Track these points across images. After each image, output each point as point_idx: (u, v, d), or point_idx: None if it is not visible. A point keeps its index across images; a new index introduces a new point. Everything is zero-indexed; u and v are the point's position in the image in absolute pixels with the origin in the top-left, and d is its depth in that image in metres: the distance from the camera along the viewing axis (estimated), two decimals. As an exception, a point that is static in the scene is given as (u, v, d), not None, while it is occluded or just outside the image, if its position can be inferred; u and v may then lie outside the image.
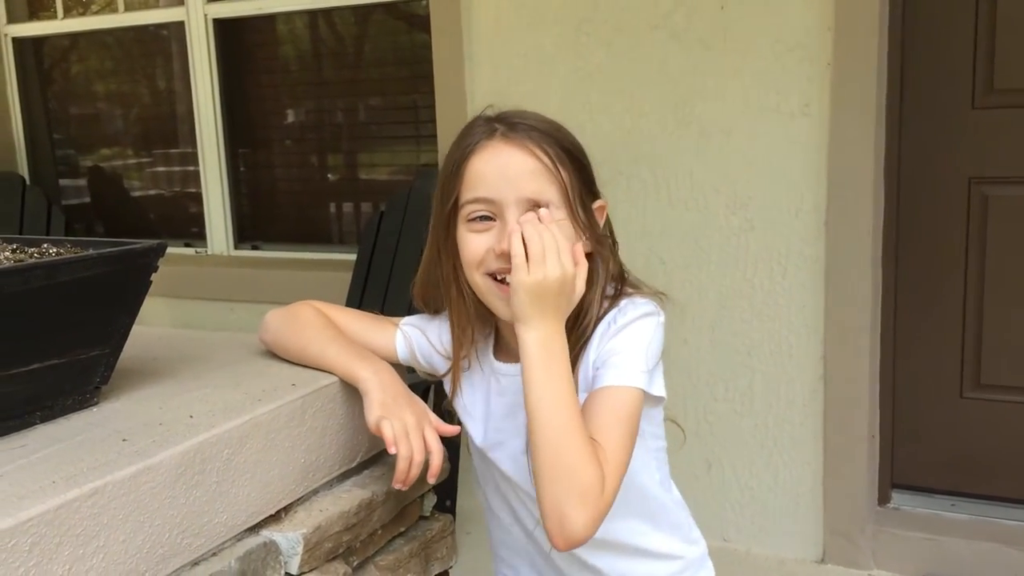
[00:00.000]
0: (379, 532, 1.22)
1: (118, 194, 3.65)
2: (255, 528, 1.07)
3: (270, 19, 3.17)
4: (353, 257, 2.82)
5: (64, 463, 0.93)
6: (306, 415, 1.15)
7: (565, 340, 1.05)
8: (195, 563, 0.99)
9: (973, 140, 2.31)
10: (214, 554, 1.02)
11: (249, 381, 1.18)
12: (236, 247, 3.29)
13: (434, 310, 1.24)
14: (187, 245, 3.36)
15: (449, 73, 2.70)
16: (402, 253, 2.70)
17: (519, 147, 1.07)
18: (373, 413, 1.12)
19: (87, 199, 3.70)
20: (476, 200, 1.08)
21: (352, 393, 1.21)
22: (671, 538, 1.22)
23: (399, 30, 3.07)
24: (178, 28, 3.24)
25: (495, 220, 1.08)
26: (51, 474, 0.90)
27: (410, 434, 1.11)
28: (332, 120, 3.25)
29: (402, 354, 1.28)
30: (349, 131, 3.24)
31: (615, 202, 2.59)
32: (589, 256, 1.10)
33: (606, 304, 1.12)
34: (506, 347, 1.19)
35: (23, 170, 3.59)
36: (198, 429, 1.02)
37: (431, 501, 1.35)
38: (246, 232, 3.32)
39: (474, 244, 1.09)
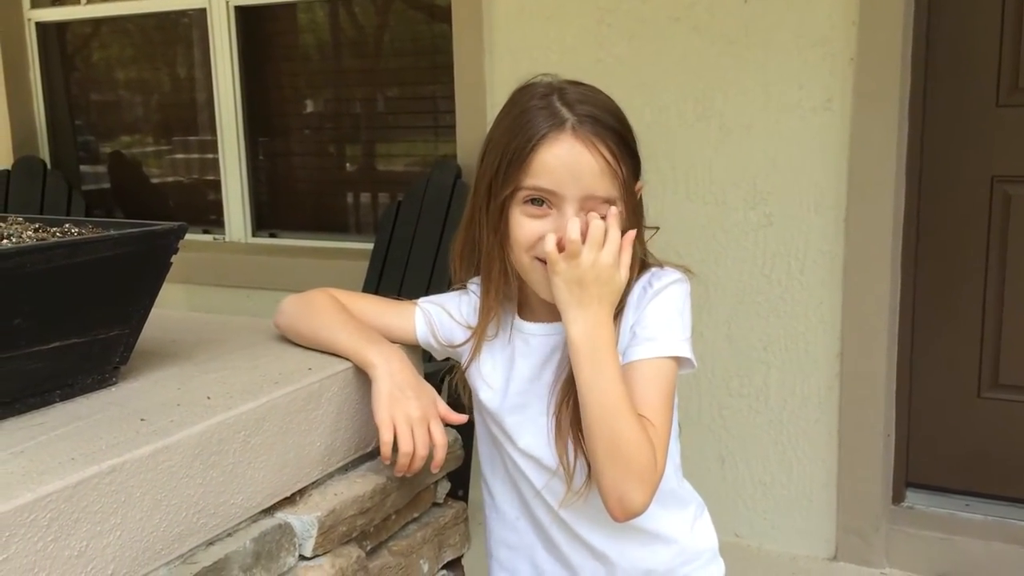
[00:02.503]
0: (393, 517, 1.22)
1: (138, 180, 3.67)
2: (270, 510, 1.08)
3: (291, 7, 3.18)
4: (370, 247, 2.83)
5: (83, 441, 0.93)
6: (322, 399, 1.15)
7: (611, 327, 1.07)
8: (210, 543, 1.00)
9: (997, 138, 2.29)
10: (229, 535, 1.02)
11: (266, 364, 1.19)
12: (254, 235, 3.31)
13: (465, 277, 1.26)
14: (205, 232, 3.38)
15: (469, 64, 2.70)
16: (419, 243, 2.70)
17: (588, 146, 1.07)
18: (380, 407, 1.13)
19: (107, 185, 3.73)
20: (538, 188, 1.09)
21: (368, 378, 1.22)
22: (681, 525, 1.22)
23: (419, 20, 3.07)
24: (200, 15, 3.26)
25: (551, 208, 1.09)
26: (70, 451, 0.90)
27: (414, 428, 1.12)
28: (351, 110, 3.25)
29: (421, 333, 1.28)
30: (368, 121, 3.24)
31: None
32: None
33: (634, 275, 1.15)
34: (531, 307, 1.21)
35: (44, 155, 3.62)
36: (216, 410, 1.02)
37: (445, 488, 1.35)
38: (264, 220, 3.33)
39: (528, 228, 1.10)
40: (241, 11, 3.19)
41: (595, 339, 1.06)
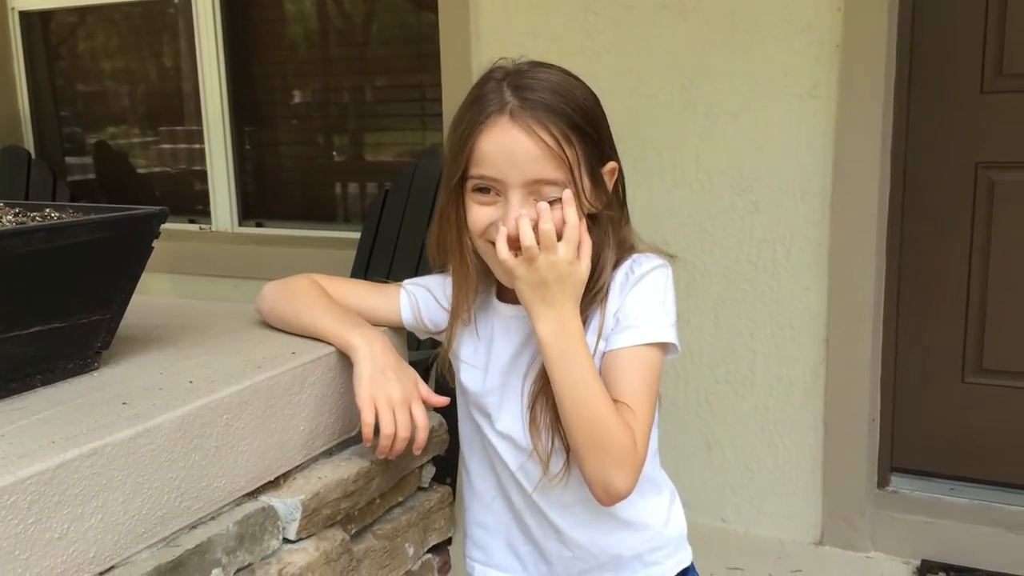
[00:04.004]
0: (377, 501, 1.23)
1: (123, 170, 3.66)
2: (254, 493, 1.08)
3: (277, -5, 3.17)
4: (357, 236, 2.82)
5: (64, 424, 0.93)
6: (306, 383, 1.15)
7: (578, 321, 1.08)
8: (193, 526, 1.00)
9: (981, 124, 2.30)
10: (213, 518, 1.02)
11: (249, 349, 1.19)
12: (240, 224, 3.30)
13: (443, 264, 1.25)
14: (191, 222, 3.36)
15: (456, 52, 2.69)
16: (406, 232, 2.70)
17: (525, 130, 1.05)
18: (361, 388, 1.13)
19: (92, 175, 3.71)
20: (481, 176, 1.09)
21: (352, 362, 1.21)
22: (655, 512, 1.22)
23: (406, 9, 3.06)
24: (185, 4, 3.24)
25: (499, 194, 1.09)
26: (51, 434, 0.90)
27: (396, 411, 1.12)
28: (337, 99, 3.24)
29: (406, 315, 1.28)
30: (354, 110, 3.23)
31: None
32: (594, 218, 1.11)
33: (615, 259, 1.15)
34: (507, 291, 1.20)
35: (29, 145, 3.60)
36: (198, 394, 1.02)
37: (430, 472, 1.35)
38: (251, 209, 3.33)
39: (479, 215, 1.11)
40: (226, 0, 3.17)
41: (563, 336, 1.06)
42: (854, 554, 2.39)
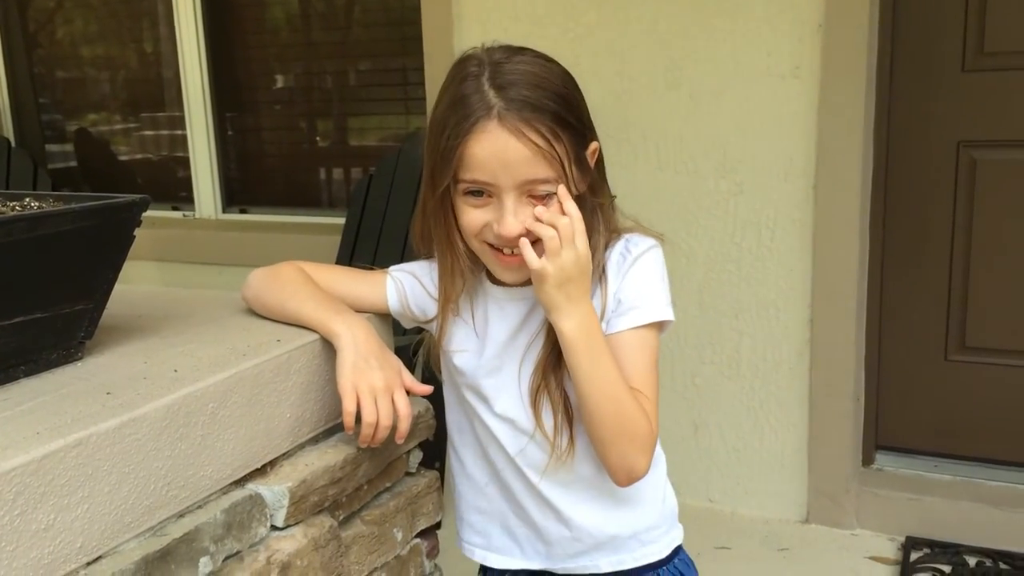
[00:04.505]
0: (365, 487, 1.23)
1: (105, 158, 3.63)
2: (241, 481, 1.08)
3: (258, -21, 3.14)
4: (341, 221, 2.81)
5: (48, 415, 0.93)
6: (291, 370, 1.15)
7: (595, 314, 1.09)
8: (181, 515, 1.00)
9: (962, 103, 2.31)
10: (200, 506, 1.02)
11: (234, 337, 1.18)
12: (224, 211, 3.28)
13: (429, 253, 1.25)
14: (175, 209, 3.34)
15: (438, 35, 2.68)
16: (391, 217, 2.69)
17: (515, 133, 1.05)
18: (343, 376, 1.12)
19: (73, 163, 3.68)
20: (473, 181, 1.08)
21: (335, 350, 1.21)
22: (653, 491, 1.23)
23: (388, -8, 3.04)
24: (165, -12, 3.21)
25: (491, 196, 1.09)
26: (35, 425, 0.90)
27: (378, 399, 1.12)
28: (320, 83, 3.22)
29: (392, 302, 1.27)
30: (337, 94, 3.22)
31: (605, 165, 2.59)
32: (580, 199, 1.11)
33: (605, 240, 1.16)
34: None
35: (8, 133, 3.56)
36: (183, 383, 1.02)
37: (417, 457, 1.35)
38: (234, 196, 3.31)
39: (472, 218, 1.10)
40: (206, -16, 3.14)
41: (589, 330, 1.07)
42: (840, 531, 2.42)
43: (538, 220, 1.06)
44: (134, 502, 0.94)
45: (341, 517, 1.19)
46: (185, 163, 3.31)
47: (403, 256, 2.60)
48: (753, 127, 2.35)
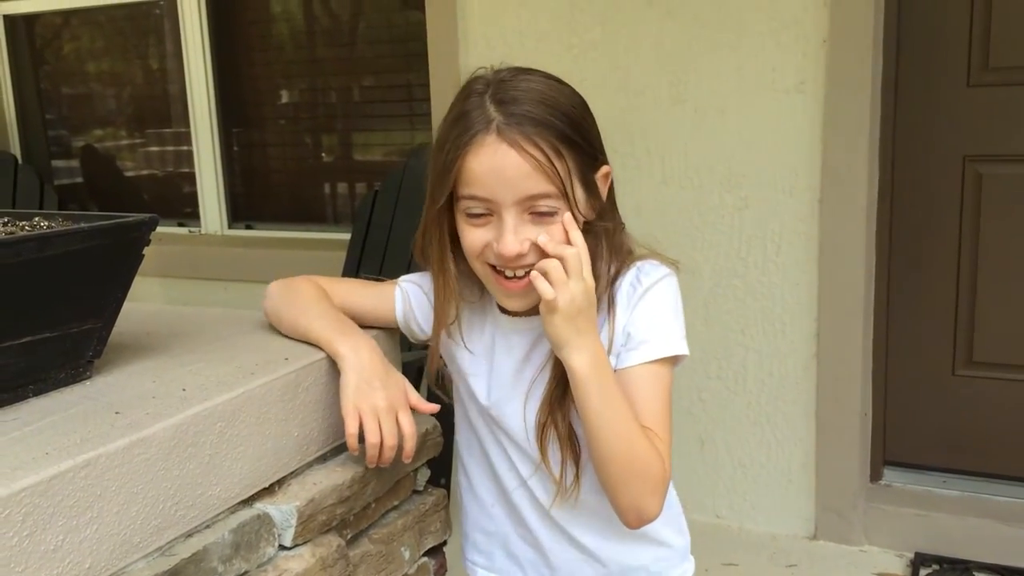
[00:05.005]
0: (372, 505, 1.23)
1: (111, 174, 3.64)
2: (249, 500, 1.08)
3: (263, -4, 3.16)
4: (347, 237, 2.81)
5: (57, 435, 0.93)
6: (299, 389, 1.15)
7: (603, 348, 1.06)
8: (189, 534, 1.00)
9: (968, 118, 2.31)
10: (208, 526, 1.02)
11: (242, 355, 1.18)
12: (230, 227, 3.29)
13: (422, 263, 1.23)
14: (180, 225, 3.35)
15: (443, 51, 2.69)
16: (396, 232, 2.69)
17: (514, 147, 1.02)
18: (346, 398, 1.11)
19: (80, 179, 3.69)
20: (471, 197, 1.05)
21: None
22: (664, 524, 1.20)
23: (393, 8, 3.06)
24: (171, 6, 3.22)
25: (491, 215, 1.06)
26: (44, 446, 0.90)
27: (381, 420, 1.10)
28: (325, 99, 3.23)
29: (399, 314, 1.26)
30: (343, 110, 3.23)
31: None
32: (588, 226, 1.08)
33: (615, 269, 1.12)
34: None
35: (15, 150, 3.58)
36: (191, 402, 1.02)
37: (425, 475, 1.35)
38: (240, 212, 3.31)
39: (472, 237, 1.08)
40: (213, 0, 3.16)
41: (599, 366, 1.03)
42: (848, 548, 2.41)
43: (543, 250, 1.03)
44: (143, 522, 0.94)
45: (349, 536, 1.19)
46: (191, 179, 3.32)
47: (408, 271, 2.60)
48: (758, 142, 2.36)
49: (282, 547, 1.09)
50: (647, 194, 2.48)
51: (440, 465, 2.33)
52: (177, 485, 0.98)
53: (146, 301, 1.48)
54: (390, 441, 1.11)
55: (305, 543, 1.10)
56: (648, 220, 2.48)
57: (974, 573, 2.26)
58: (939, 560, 2.31)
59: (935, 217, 2.37)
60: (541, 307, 1.04)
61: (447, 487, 2.42)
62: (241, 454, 1.06)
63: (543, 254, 1.04)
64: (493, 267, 1.09)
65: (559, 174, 1.03)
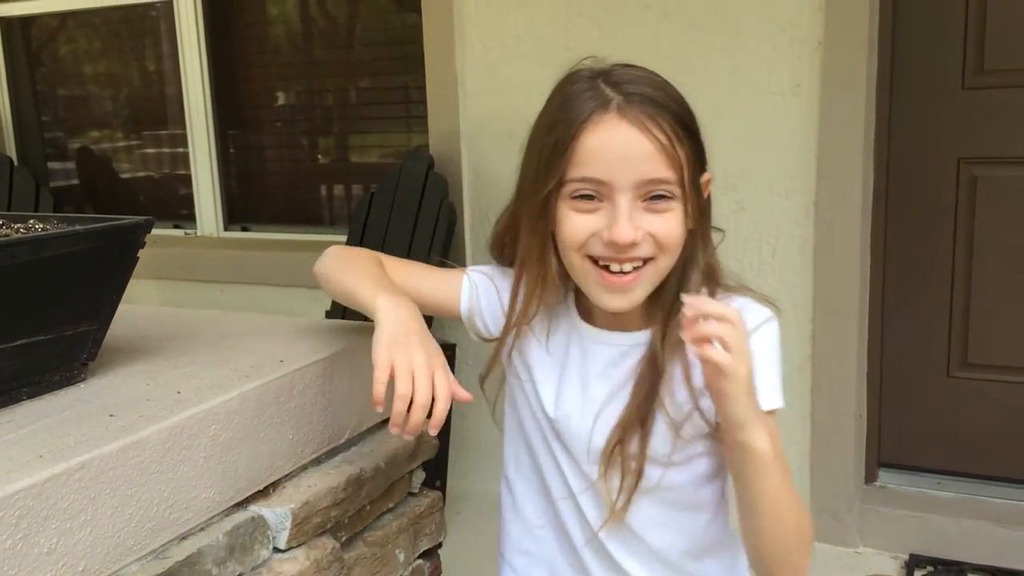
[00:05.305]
0: (367, 508, 1.23)
1: (107, 176, 3.64)
2: (243, 503, 1.08)
3: (260, -1, 3.16)
4: (343, 239, 2.81)
5: (51, 438, 0.93)
6: (294, 391, 1.15)
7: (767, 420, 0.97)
8: (183, 537, 1.00)
9: (963, 120, 2.31)
10: (202, 529, 1.02)
11: (237, 357, 1.18)
12: (226, 229, 3.29)
13: (508, 263, 1.13)
14: (176, 227, 3.35)
15: (439, 54, 2.69)
16: (392, 234, 2.69)
17: (637, 126, 0.94)
18: (379, 347, 0.99)
19: (75, 181, 3.68)
20: (585, 179, 0.97)
21: (342, 369, 1.22)
22: (724, 570, 1.15)
23: (389, 10, 3.06)
24: (167, 8, 3.22)
25: (602, 201, 0.97)
26: (38, 448, 0.90)
27: (416, 372, 0.98)
28: (322, 101, 3.23)
29: (464, 305, 1.15)
30: (339, 112, 3.23)
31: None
32: (690, 233, 1.01)
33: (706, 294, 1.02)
34: (589, 308, 1.09)
35: (11, 152, 3.57)
36: (186, 405, 1.02)
37: (420, 477, 1.35)
38: (236, 213, 3.31)
39: (577, 225, 0.99)
40: (209, 2, 3.16)
41: (776, 446, 0.94)
42: (843, 550, 2.41)
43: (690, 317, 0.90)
44: (136, 525, 0.94)
45: (343, 538, 1.19)
46: (187, 181, 3.32)
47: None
48: (754, 144, 2.36)
49: (276, 549, 1.09)
50: (643, 196, 2.48)
51: (436, 467, 2.34)
52: (171, 488, 0.98)
53: (141, 303, 1.48)
54: (422, 399, 0.97)
55: (299, 545, 1.10)
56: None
57: (968, 575, 2.26)
58: (934, 562, 2.32)
59: (930, 219, 2.37)
60: (715, 380, 0.91)
61: (443, 490, 2.43)
62: (236, 456, 1.06)
63: (657, 246, 0.98)
64: (594, 261, 1.00)
65: (679, 160, 0.96)
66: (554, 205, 1.00)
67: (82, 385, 1.09)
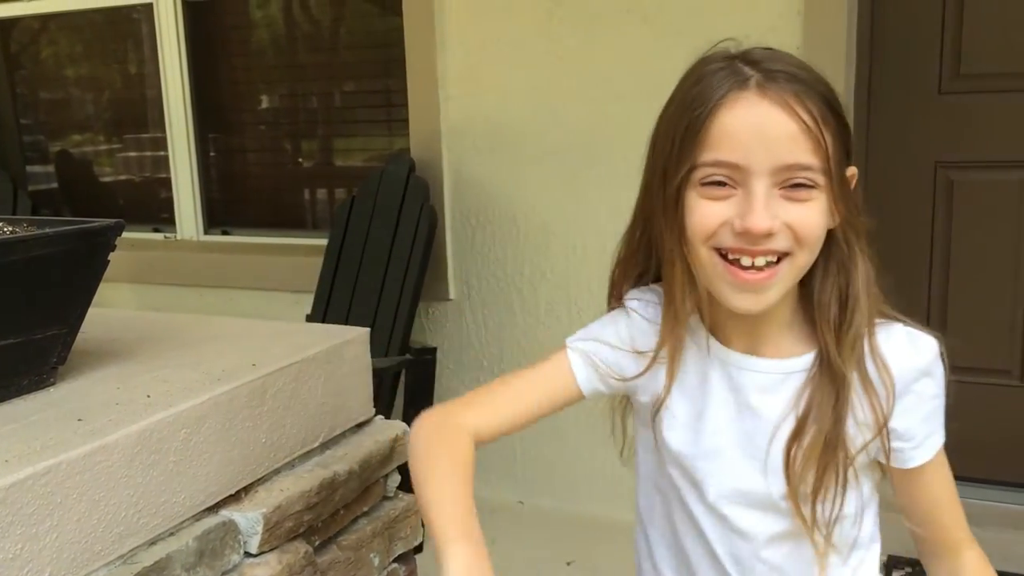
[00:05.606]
0: (341, 512, 1.22)
1: (86, 179, 3.61)
2: (214, 508, 1.07)
3: (242, 1, 3.14)
4: (324, 242, 2.81)
5: (17, 443, 0.92)
6: (267, 395, 1.14)
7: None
8: (152, 542, 0.99)
9: (940, 125, 2.33)
10: (172, 533, 1.01)
11: (209, 361, 1.18)
12: (206, 232, 3.27)
13: (626, 287, 1.05)
14: (156, 230, 3.33)
15: (421, 57, 2.69)
16: (373, 237, 2.69)
17: (779, 104, 0.85)
18: None
19: (55, 184, 3.66)
20: (718, 163, 0.86)
21: (315, 373, 1.21)
22: None
23: (371, 14, 3.05)
24: (148, 11, 3.21)
25: (735, 187, 0.87)
26: (4, 453, 0.89)
27: None
28: (303, 104, 3.22)
29: (583, 381, 1.02)
30: (320, 115, 3.22)
31: (586, 186, 2.58)
32: (831, 233, 0.93)
33: (896, 330, 0.97)
34: (723, 328, 0.98)
35: (-10, 154, 3.55)
36: (155, 409, 1.01)
37: (395, 481, 1.35)
38: (216, 217, 3.29)
39: (707, 213, 0.88)
40: (189, 5, 3.14)
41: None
42: (823, 552, 2.41)
43: None
44: (104, 530, 0.93)
45: (317, 543, 1.18)
46: (167, 184, 3.30)
47: (386, 273, 2.60)
48: (733, 148, 2.37)
49: (248, 554, 1.08)
50: (623, 198, 2.46)
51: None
52: (140, 492, 0.97)
53: (121, 307, 1.47)
54: None
55: (272, 550, 1.10)
56: (624, 223, 2.48)
57: (947, 577, 2.27)
58: (912, 563, 2.32)
59: (907, 223, 2.38)
60: None
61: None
62: (207, 461, 1.05)
63: (794, 239, 0.87)
64: (723, 256, 0.89)
65: (825, 146, 0.86)
66: (683, 196, 0.89)
67: (51, 389, 1.08)
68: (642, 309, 1.02)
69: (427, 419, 1.00)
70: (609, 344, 1.02)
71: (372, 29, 3.05)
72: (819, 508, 0.93)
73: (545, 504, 2.67)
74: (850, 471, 0.94)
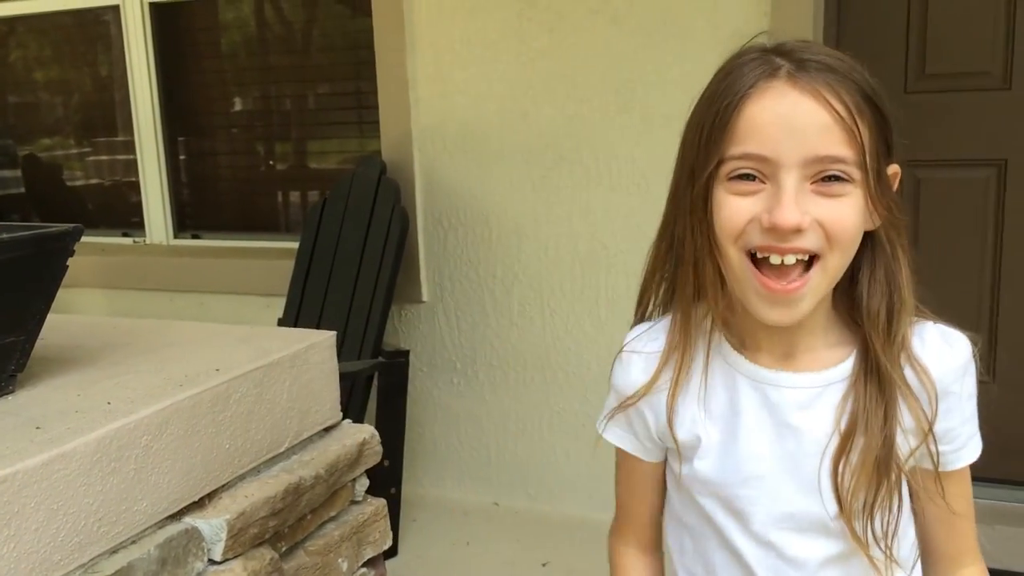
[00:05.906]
0: (308, 517, 1.21)
1: (54, 183, 3.57)
2: (177, 515, 1.06)
3: (211, 3, 3.12)
4: (295, 245, 2.79)
5: (-27, 452, 0.90)
6: (230, 400, 1.13)
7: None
8: (114, 551, 0.98)
9: (905, 124, 2.33)
10: (133, 542, 1.00)
11: (171, 366, 1.17)
12: (176, 236, 3.24)
13: (658, 299, 1.00)
14: (125, 235, 3.29)
15: (391, 59, 2.68)
16: (344, 240, 2.68)
17: (810, 94, 0.81)
18: None
19: (22, 189, 3.61)
20: (746, 156, 0.83)
21: (280, 377, 1.20)
22: None
23: (342, 15, 3.04)
24: (115, 12, 3.18)
25: (764, 182, 0.83)
26: (-41, 463, 0.88)
27: None
28: (273, 107, 3.20)
29: (633, 447, 0.99)
30: (290, 118, 3.20)
31: (557, 187, 2.59)
32: (869, 235, 0.89)
33: (928, 329, 0.92)
34: (755, 341, 0.93)
35: (-45, 159, 3.50)
36: (115, 415, 1.00)
37: (363, 485, 1.34)
38: (186, 221, 3.27)
39: (735, 209, 0.84)
40: (156, 7, 3.11)
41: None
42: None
43: None
44: (64, 539, 0.92)
45: (283, 548, 1.17)
46: (136, 188, 3.27)
47: (358, 275, 2.59)
48: (703, 149, 2.38)
49: (212, 561, 1.07)
50: (596, 200, 2.49)
51: (391, 474, 2.32)
52: (100, 501, 0.96)
53: (89, 313, 1.46)
54: None
55: (236, 557, 1.09)
56: (596, 225, 2.49)
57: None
58: None
59: (876, 222, 2.41)
60: None
61: (398, 497, 2.41)
62: (169, 468, 1.04)
63: (826, 238, 0.83)
64: (753, 259, 0.85)
65: (859, 138, 0.82)
66: (712, 193, 0.85)
67: (10, 397, 1.07)
68: (639, 344, 0.99)
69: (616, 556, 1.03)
70: (623, 394, 0.97)
71: (344, 30, 3.04)
72: (875, 523, 0.88)
73: (520, 505, 2.67)
74: (903, 480, 0.90)
